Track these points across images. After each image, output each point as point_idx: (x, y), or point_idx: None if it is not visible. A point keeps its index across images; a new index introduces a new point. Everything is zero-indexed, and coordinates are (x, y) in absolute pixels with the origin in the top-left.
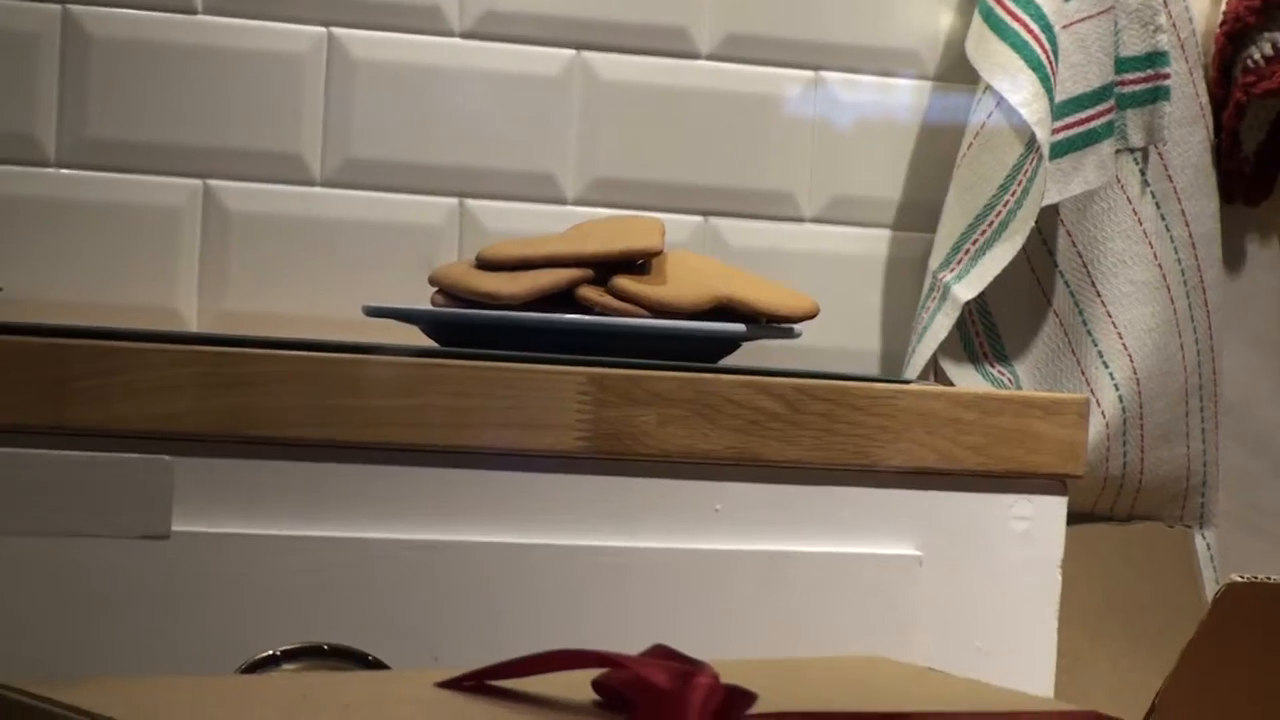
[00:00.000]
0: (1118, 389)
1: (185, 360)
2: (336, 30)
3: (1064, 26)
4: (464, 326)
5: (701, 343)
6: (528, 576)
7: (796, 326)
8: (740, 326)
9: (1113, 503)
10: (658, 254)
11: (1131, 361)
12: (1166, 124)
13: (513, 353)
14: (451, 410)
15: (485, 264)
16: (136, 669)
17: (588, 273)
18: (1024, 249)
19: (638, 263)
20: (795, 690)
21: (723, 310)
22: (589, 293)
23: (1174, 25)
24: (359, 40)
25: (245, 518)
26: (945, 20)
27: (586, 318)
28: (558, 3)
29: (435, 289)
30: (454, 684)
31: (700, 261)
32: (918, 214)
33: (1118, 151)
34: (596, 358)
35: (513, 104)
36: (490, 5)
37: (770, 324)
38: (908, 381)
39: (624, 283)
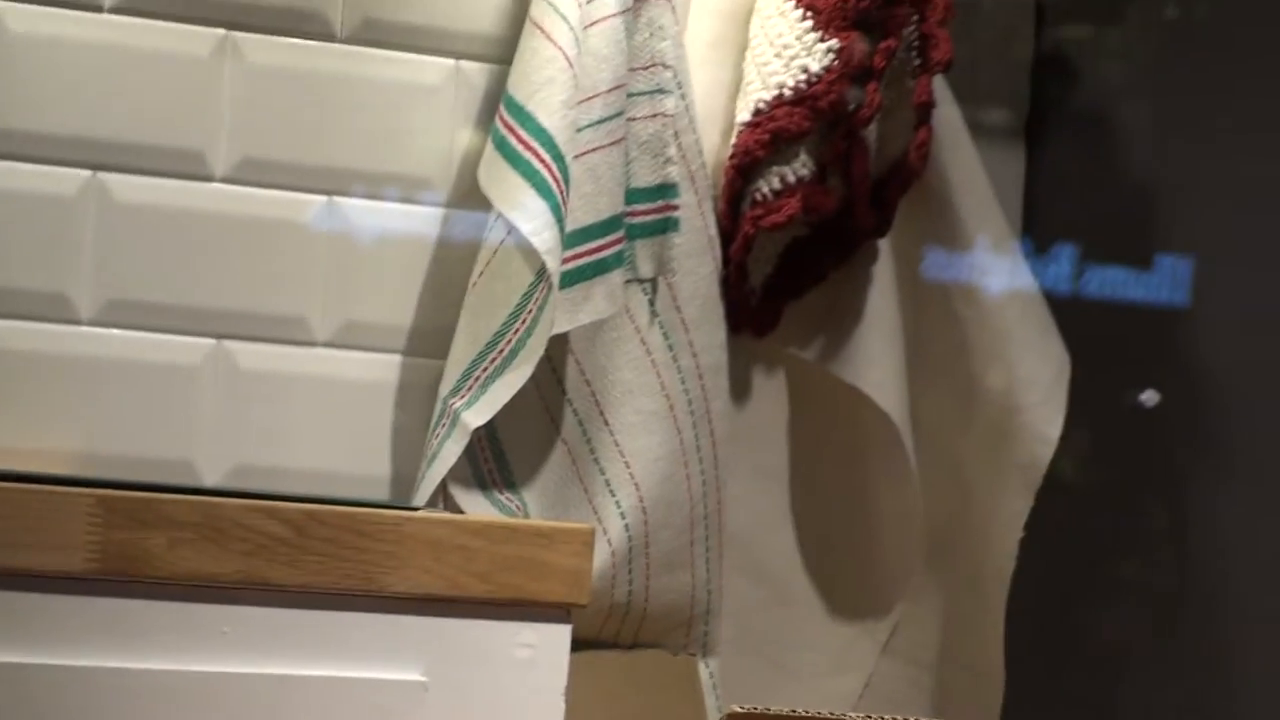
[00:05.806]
0: (624, 517)
1: None
2: None
3: (576, 156)
4: None
5: None
6: (36, 699)
7: None
8: None
9: (618, 630)
10: None
11: (638, 490)
12: (675, 255)
13: (19, 471)
14: None
15: None
16: None
17: None
18: (533, 378)
19: None
20: None
21: None
22: None
23: (684, 157)
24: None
25: None
26: (462, 140)
27: None
28: None
29: None
30: None
31: None
32: (430, 340)
33: (627, 281)
34: (105, 478)
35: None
36: None
37: None
38: (415, 508)
39: None
